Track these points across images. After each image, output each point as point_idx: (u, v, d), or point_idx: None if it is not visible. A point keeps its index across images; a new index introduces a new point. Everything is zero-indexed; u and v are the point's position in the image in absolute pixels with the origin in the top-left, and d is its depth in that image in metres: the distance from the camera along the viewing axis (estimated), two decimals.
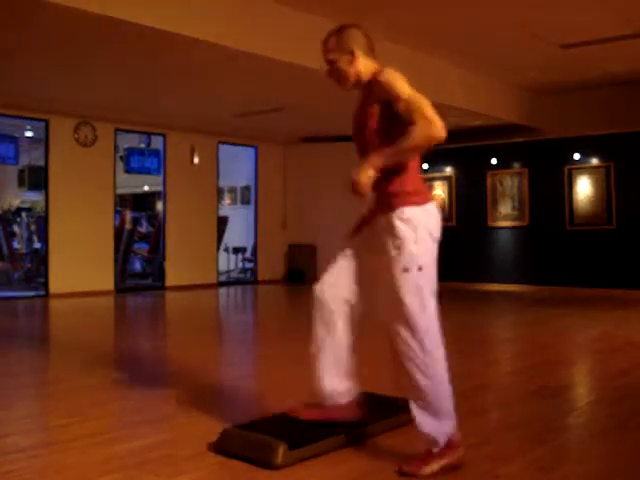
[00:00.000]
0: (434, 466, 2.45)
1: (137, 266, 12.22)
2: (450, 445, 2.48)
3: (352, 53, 2.60)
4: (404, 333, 2.46)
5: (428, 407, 2.48)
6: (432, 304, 2.49)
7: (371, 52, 2.66)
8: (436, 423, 2.48)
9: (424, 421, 2.48)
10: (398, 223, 2.46)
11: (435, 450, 2.48)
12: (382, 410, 3.07)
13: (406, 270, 2.44)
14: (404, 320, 2.45)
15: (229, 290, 11.47)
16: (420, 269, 2.44)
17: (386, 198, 2.51)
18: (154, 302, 9.76)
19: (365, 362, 3.17)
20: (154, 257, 11.52)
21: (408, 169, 2.52)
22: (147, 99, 9.17)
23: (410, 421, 3.03)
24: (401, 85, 2.45)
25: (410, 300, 2.44)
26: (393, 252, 2.46)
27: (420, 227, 2.45)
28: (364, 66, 2.62)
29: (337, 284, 2.67)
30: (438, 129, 2.34)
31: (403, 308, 2.45)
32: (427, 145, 2.38)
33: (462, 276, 11.31)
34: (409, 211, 2.46)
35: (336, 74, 2.67)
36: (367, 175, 2.42)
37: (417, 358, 2.45)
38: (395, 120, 2.46)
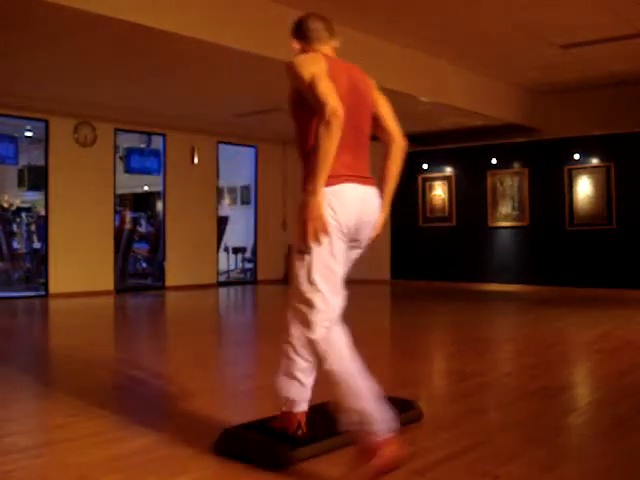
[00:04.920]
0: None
1: (137, 266, 12.22)
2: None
3: None
4: None
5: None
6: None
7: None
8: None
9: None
10: None
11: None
12: None
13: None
14: None
15: (229, 290, 11.47)
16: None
17: None
18: (154, 302, 9.75)
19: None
20: (154, 257, 11.53)
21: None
22: (147, 99, 9.17)
23: (410, 421, 3.03)
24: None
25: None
26: None
27: (327, 207, 2.39)
28: None
29: None
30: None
31: None
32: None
33: (462, 276, 11.32)
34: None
35: None
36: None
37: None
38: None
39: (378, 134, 2.73)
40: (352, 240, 2.52)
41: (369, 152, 2.62)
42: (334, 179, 2.40)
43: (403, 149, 2.70)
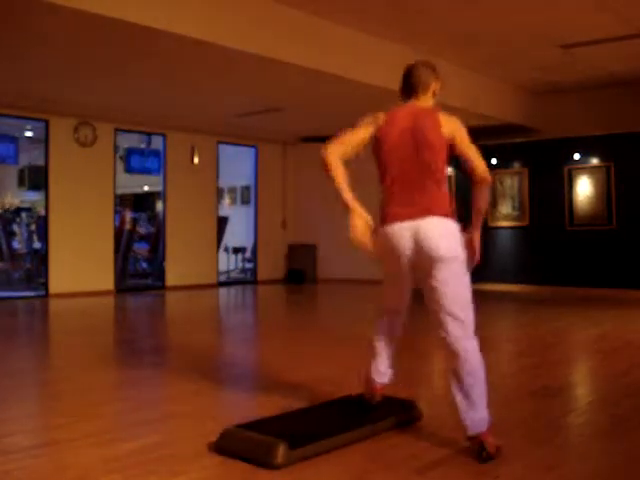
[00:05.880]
0: None
1: (137, 266, 12.22)
2: None
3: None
4: None
5: None
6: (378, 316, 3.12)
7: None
8: None
9: None
10: None
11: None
12: (383, 410, 3.07)
13: None
14: None
15: (229, 290, 11.47)
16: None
17: None
18: (154, 302, 9.75)
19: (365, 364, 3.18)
20: (154, 257, 11.53)
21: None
22: (147, 99, 9.17)
23: (410, 421, 3.03)
24: None
25: None
26: None
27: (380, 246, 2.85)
28: None
29: None
30: None
31: None
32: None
33: None
34: None
35: None
36: None
37: None
38: None
39: (465, 170, 2.94)
40: (420, 268, 2.80)
41: (433, 186, 2.83)
42: (383, 221, 2.84)
43: (485, 185, 2.90)
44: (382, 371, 3.11)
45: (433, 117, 2.85)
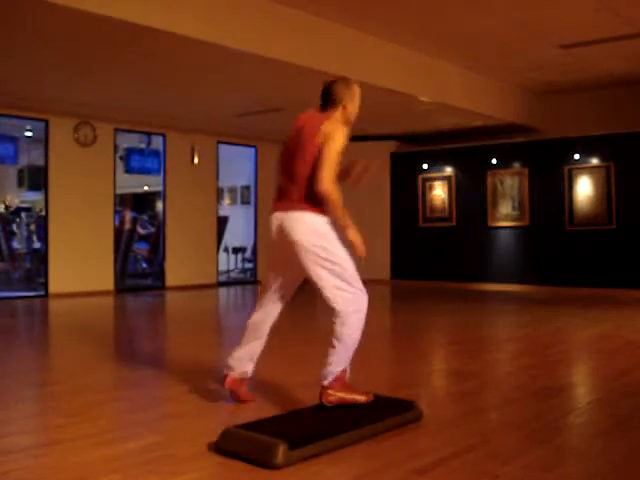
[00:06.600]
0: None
1: (137, 266, 12.21)
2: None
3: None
4: None
5: None
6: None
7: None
8: None
9: None
10: None
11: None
12: (383, 410, 3.07)
13: None
14: None
15: (229, 290, 11.47)
16: None
17: None
18: (154, 302, 9.75)
19: (365, 365, 3.18)
20: (154, 257, 11.53)
21: None
22: (147, 99, 9.17)
23: (410, 421, 3.03)
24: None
25: None
26: None
27: None
28: None
29: None
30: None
31: None
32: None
33: (462, 276, 11.31)
34: None
35: None
36: None
37: None
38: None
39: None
40: (289, 257, 3.20)
41: (301, 187, 3.12)
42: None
43: (322, 195, 3.03)
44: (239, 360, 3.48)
45: (317, 126, 3.12)
